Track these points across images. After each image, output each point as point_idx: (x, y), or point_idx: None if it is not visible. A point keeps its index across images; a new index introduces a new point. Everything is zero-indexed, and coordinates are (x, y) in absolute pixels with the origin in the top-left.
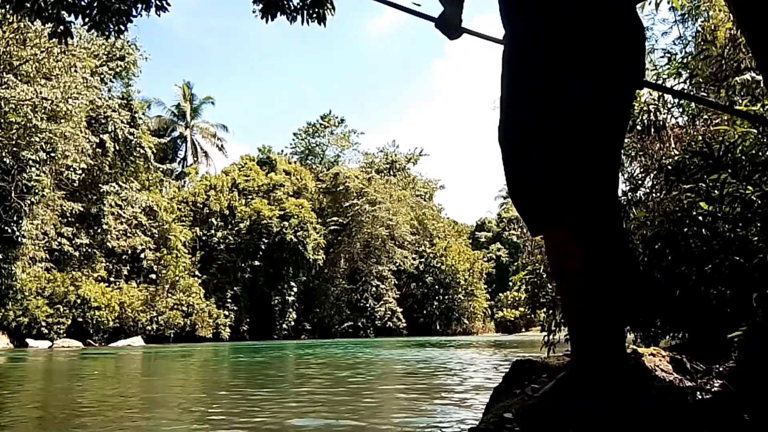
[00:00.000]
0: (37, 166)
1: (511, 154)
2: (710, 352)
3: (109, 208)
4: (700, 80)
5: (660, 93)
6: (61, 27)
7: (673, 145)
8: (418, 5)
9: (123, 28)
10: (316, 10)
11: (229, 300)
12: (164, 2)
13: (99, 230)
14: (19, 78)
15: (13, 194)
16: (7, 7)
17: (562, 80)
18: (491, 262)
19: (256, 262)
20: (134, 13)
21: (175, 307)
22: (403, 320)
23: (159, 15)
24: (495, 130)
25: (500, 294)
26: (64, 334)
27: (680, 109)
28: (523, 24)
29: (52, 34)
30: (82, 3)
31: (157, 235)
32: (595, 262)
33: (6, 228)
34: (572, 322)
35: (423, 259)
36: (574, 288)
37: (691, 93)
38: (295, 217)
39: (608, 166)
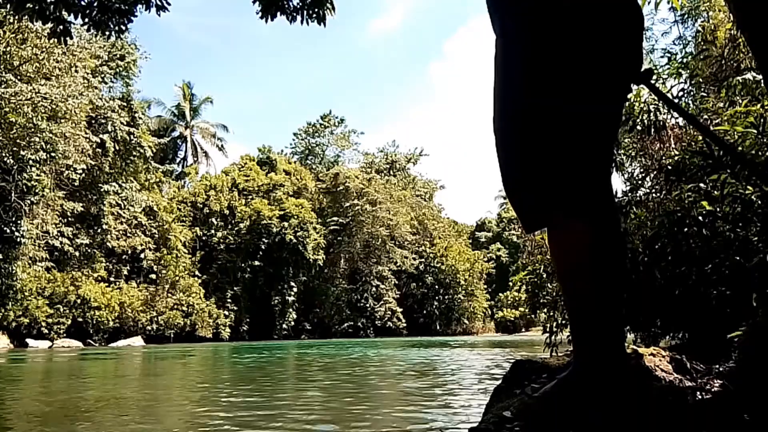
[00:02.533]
0: (38, 166)
1: (503, 154)
2: (710, 352)
3: (109, 208)
4: (700, 80)
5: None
6: (61, 27)
7: (673, 145)
8: None
9: (123, 27)
10: (316, 9)
11: (229, 300)
12: (164, 2)
13: (99, 230)
14: (19, 78)
15: (13, 194)
16: (8, 7)
17: (553, 81)
18: (491, 262)
19: (256, 262)
20: (134, 12)
21: (175, 307)
22: (403, 320)
23: (159, 15)
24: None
25: (500, 294)
26: (64, 334)
27: None
28: (513, 25)
29: (51, 34)
30: (82, 3)
31: (157, 235)
32: (591, 262)
33: (6, 228)
34: (572, 322)
35: (423, 259)
36: (572, 287)
37: (690, 114)
38: (295, 217)
39: (600, 166)
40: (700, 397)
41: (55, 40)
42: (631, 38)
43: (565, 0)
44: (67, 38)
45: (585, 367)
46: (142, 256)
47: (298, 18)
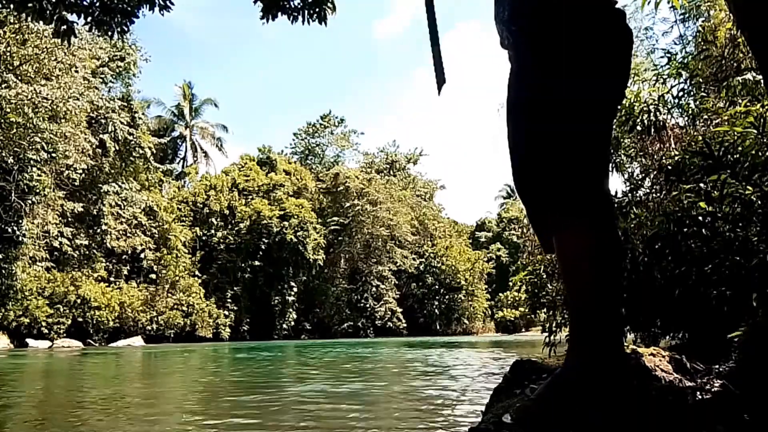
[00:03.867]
0: (38, 165)
1: (517, 160)
2: (710, 352)
3: (109, 208)
4: (700, 80)
5: (660, 93)
6: (64, 26)
7: (673, 145)
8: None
9: (125, 28)
10: (317, 9)
11: (229, 300)
12: (168, 1)
13: (99, 230)
14: (19, 78)
15: (13, 194)
16: (11, 7)
17: (562, 86)
18: (491, 262)
19: (256, 262)
20: (137, 13)
21: (175, 307)
22: (403, 320)
23: (163, 14)
24: (496, 130)
25: (500, 294)
26: (64, 334)
27: (680, 110)
28: (529, 30)
29: (55, 33)
30: (84, 3)
31: (157, 235)
32: (589, 263)
33: (6, 228)
34: (573, 321)
35: (423, 259)
36: (573, 287)
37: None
38: (295, 217)
39: (596, 169)
40: (700, 397)
41: (57, 40)
42: (622, 57)
43: (574, 14)
44: (71, 37)
45: (585, 367)
46: (142, 256)
47: (299, 18)
